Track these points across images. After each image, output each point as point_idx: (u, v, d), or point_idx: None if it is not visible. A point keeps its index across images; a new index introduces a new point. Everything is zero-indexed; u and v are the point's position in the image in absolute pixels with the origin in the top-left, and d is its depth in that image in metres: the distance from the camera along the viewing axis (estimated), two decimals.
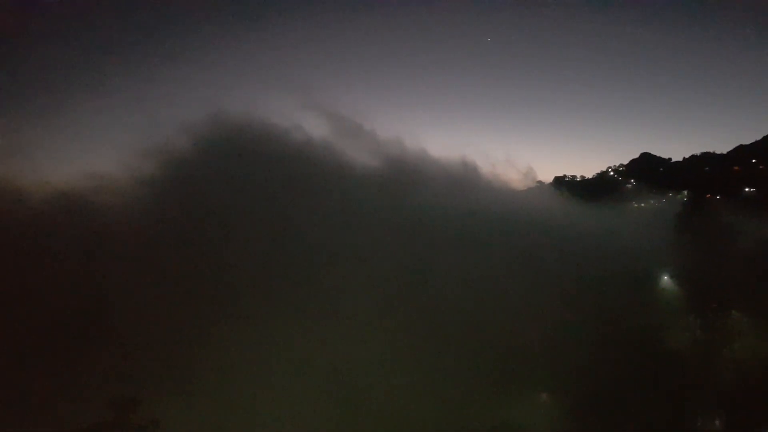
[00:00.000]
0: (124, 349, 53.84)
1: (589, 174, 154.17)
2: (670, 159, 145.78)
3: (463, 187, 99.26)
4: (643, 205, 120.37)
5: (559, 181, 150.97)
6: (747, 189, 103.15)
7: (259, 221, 74.49)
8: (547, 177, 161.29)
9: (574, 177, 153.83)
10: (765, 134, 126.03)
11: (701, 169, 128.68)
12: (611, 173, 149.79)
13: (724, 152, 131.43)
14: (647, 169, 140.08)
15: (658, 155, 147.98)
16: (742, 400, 47.54)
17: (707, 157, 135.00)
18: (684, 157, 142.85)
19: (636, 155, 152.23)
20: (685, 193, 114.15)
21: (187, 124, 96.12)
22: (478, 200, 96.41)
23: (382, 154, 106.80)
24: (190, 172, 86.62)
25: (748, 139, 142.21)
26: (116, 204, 79.51)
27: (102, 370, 49.15)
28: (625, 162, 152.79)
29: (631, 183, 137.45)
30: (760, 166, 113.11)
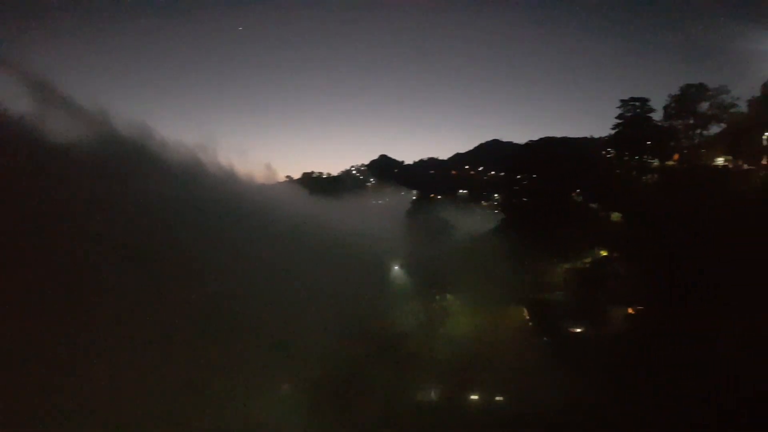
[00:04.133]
0: None
1: (335, 172, 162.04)
2: (403, 162, 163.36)
3: (200, 174, 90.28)
4: (380, 202, 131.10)
5: (308, 177, 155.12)
6: (461, 190, 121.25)
7: None
8: (296, 173, 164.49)
9: (321, 174, 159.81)
10: (475, 145, 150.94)
11: (427, 172, 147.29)
12: (354, 172, 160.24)
13: (445, 158, 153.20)
14: (385, 170, 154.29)
15: (393, 158, 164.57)
16: (454, 369, 54.24)
17: (432, 162, 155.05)
18: (414, 161, 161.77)
19: (375, 156, 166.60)
20: (415, 192, 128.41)
21: None
22: (221, 190, 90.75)
23: (91, 129, 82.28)
24: None
25: (463, 149, 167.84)
26: None
27: None
28: (367, 162, 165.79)
29: (371, 182, 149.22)
30: (471, 172, 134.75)
